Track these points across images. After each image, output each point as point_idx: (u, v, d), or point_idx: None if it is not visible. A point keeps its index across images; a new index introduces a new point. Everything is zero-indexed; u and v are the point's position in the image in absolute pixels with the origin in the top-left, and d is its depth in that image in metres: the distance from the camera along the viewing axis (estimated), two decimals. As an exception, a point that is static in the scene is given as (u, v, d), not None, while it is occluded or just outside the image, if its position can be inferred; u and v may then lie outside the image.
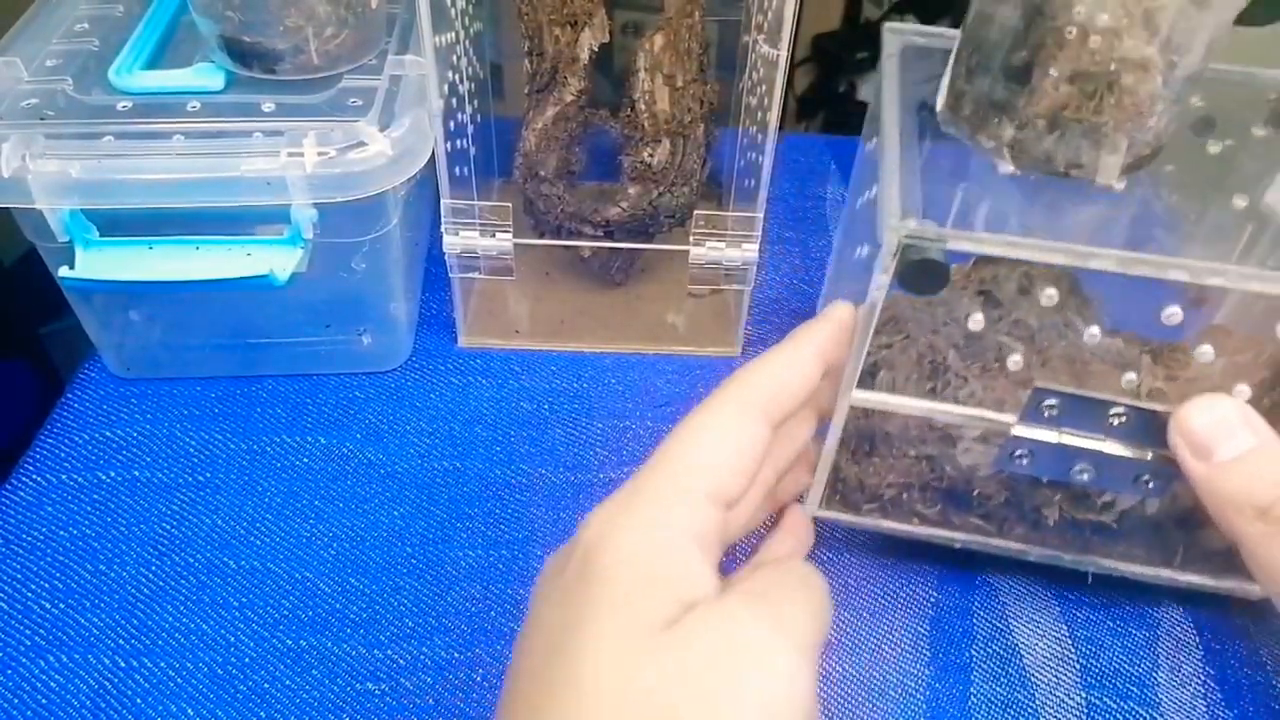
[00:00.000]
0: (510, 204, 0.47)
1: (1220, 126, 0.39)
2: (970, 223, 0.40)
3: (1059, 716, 0.39)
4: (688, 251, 0.49)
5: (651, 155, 0.49)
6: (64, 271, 0.41)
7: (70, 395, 0.49)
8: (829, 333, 0.33)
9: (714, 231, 0.48)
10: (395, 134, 0.42)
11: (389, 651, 0.40)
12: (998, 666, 0.40)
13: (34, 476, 0.45)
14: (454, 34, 0.45)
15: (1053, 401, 0.32)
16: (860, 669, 0.40)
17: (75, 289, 0.43)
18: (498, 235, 0.48)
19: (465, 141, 0.48)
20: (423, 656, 0.40)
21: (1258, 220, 0.39)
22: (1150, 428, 0.32)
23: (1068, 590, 0.42)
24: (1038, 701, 0.39)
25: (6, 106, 0.42)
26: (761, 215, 0.47)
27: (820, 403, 0.36)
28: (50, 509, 0.44)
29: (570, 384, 0.51)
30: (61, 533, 0.43)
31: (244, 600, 0.41)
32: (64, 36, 0.47)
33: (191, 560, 0.42)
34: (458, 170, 0.46)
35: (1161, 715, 0.39)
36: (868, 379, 0.35)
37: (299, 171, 0.40)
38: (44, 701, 0.37)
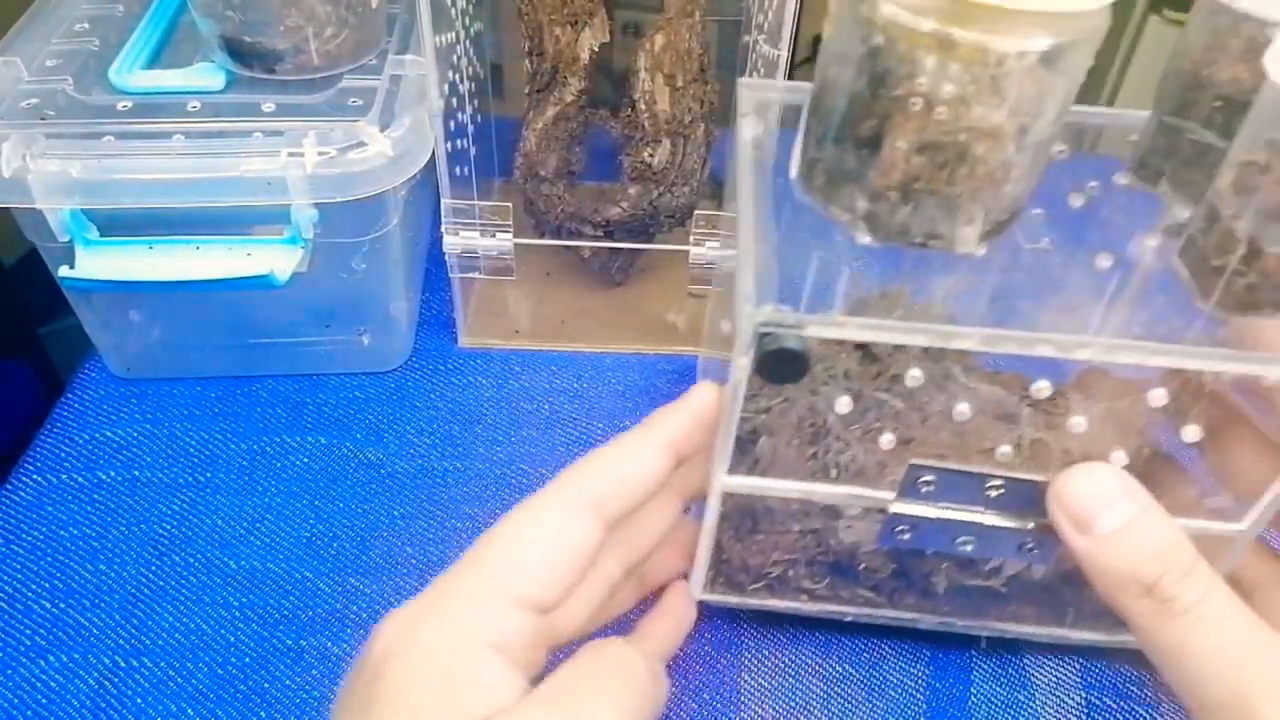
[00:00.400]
0: (510, 204, 0.47)
1: (1083, 174, 0.38)
2: (833, 294, 0.38)
3: (1059, 716, 0.39)
4: (688, 251, 0.49)
5: (651, 155, 0.49)
6: (64, 271, 0.41)
7: (70, 395, 0.49)
8: (683, 422, 0.31)
9: (714, 231, 0.48)
10: (395, 134, 0.42)
11: (389, 651, 0.40)
12: (998, 666, 0.40)
13: (34, 476, 0.45)
14: (454, 34, 0.45)
15: (929, 477, 0.31)
16: (860, 668, 0.40)
17: (75, 289, 0.43)
18: (498, 235, 0.48)
19: (465, 141, 0.48)
20: (423, 656, 0.40)
21: (1125, 269, 0.38)
22: (1029, 497, 0.31)
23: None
24: (1038, 701, 0.39)
25: (6, 106, 0.42)
26: (761, 215, 0.47)
27: (685, 487, 0.34)
28: (50, 509, 0.44)
29: (570, 384, 0.51)
30: (61, 533, 0.43)
31: (244, 600, 0.41)
32: (64, 36, 0.47)
33: (191, 560, 0.42)
34: (458, 170, 0.46)
35: (1161, 715, 0.39)
36: (747, 447, 0.34)
37: (299, 171, 0.40)
38: (44, 701, 0.37)
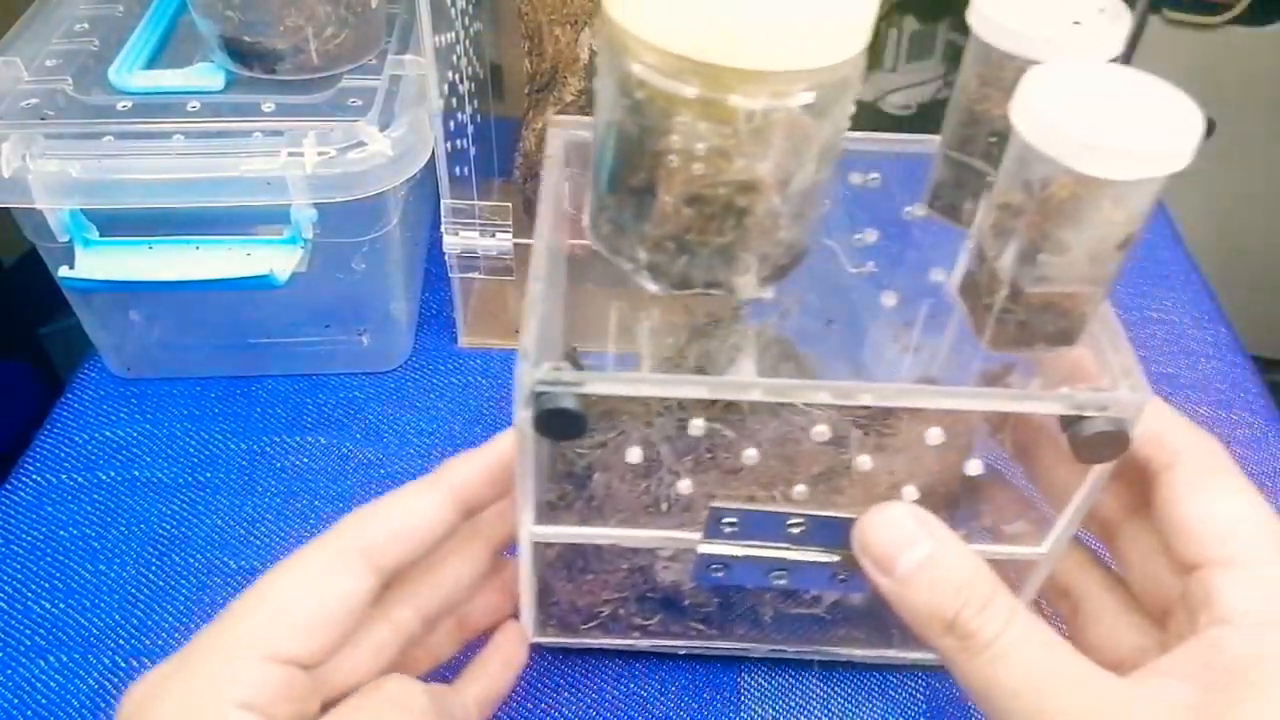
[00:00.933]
0: (510, 204, 0.47)
1: (889, 205, 0.37)
2: (634, 338, 0.38)
3: (1059, 716, 0.39)
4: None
5: (651, 155, 0.49)
6: (64, 271, 0.41)
7: (70, 395, 0.49)
8: (474, 471, 0.31)
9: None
10: (395, 134, 0.42)
11: (389, 651, 0.40)
12: (998, 666, 0.40)
13: (34, 476, 0.45)
14: (454, 34, 0.45)
15: (731, 519, 0.31)
16: (860, 667, 0.40)
17: (75, 289, 0.43)
18: (498, 235, 0.48)
19: (465, 141, 0.48)
20: (423, 656, 0.40)
21: (938, 297, 0.38)
22: (831, 530, 0.31)
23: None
24: (1038, 701, 0.39)
25: (6, 106, 0.42)
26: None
27: (494, 533, 0.34)
28: (50, 509, 0.44)
29: (570, 384, 0.51)
30: (61, 533, 0.43)
31: (244, 600, 0.41)
32: (64, 36, 0.47)
33: (191, 560, 0.42)
34: (458, 170, 0.46)
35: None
36: (584, 483, 0.33)
37: (299, 171, 0.40)
38: (44, 701, 0.37)
